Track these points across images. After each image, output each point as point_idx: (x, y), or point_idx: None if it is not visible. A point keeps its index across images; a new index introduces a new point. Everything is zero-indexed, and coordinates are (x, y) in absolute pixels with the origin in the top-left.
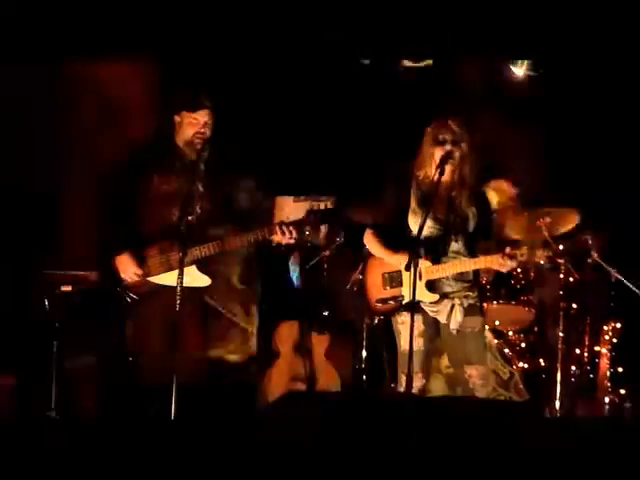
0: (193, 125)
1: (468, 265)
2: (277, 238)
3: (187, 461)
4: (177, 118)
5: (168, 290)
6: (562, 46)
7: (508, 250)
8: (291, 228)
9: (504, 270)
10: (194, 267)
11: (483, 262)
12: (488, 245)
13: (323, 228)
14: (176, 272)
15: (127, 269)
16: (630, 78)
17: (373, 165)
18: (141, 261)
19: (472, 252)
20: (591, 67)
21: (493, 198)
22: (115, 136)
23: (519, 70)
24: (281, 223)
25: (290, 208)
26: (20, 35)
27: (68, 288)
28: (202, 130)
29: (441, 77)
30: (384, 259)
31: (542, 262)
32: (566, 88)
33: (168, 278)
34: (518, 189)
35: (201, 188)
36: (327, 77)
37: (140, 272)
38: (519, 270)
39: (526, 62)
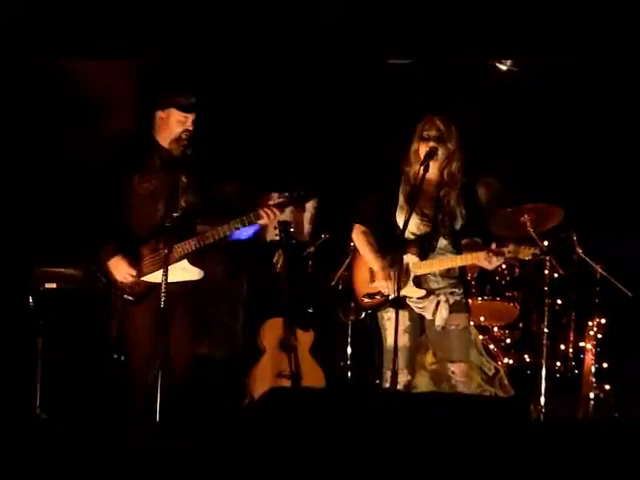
0: (182, 123)
1: (455, 261)
2: (264, 221)
3: (174, 457)
4: (161, 114)
5: (159, 288)
6: (548, 42)
7: (494, 247)
8: (274, 210)
9: (490, 267)
10: (185, 261)
11: (470, 259)
12: (474, 242)
13: (307, 224)
14: (169, 269)
15: (121, 271)
16: (614, 75)
17: (362, 161)
18: (134, 262)
19: (459, 249)
20: (576, 63)
21: (482, 195)
22: (93, 132)
23: (503, 65)
24: (266, 206)
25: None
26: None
27: (52, 285)
28: (190, 128)
29: (426, 73)
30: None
31: (528, 259)
32: (550, 83)
33: (160, 276)
34: (504, 185)
35: (185, 180)
36: (315, 73)
37: (134, 273)
38: (504, 266)
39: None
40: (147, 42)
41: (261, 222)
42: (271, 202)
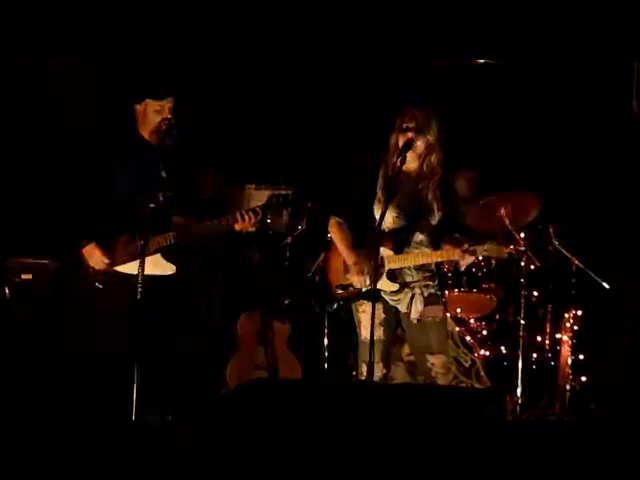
0: (159, 112)
1: (430, 257)
2: (239, 226)
3: (152, 450)
4: (139, 107)
5: (133, 279)
6: (524, 36)
7: (466, 246)
8: (251, 214)
9: (464, 264)
10: (159, 255)
11: (445, 255)
12: (453, 238)
13: (285, 215)
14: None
15: (95, 258)
16: (586, 67)
17: (340, 153)
18: (108, 250)
19: (435, 244)
20: (551, 55)
21: (461, 189)
22: (72, 126)
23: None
24: (241, 210)
25: (252, 196)
26: None
27: (29, 276)
28: (168, 116)
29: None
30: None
31: (505, 257)
32: (526, 75)
33: (134, 267)
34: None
35: (165, 175)
36: (293, 66)
37: (107, 260)
38: (480, 258)
39: None
40: (134, 36)
41: (237, 227)
42: (247, 207)
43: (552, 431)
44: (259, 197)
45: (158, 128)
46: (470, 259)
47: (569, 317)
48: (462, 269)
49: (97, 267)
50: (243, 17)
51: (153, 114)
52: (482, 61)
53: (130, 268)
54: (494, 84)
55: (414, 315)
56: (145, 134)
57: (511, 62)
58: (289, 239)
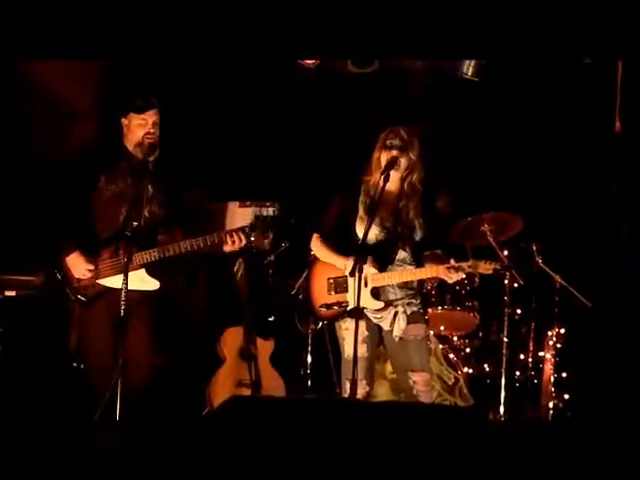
0: (142, 126)
1: (414, 274)
2: (228, 247)
3: (133, 467)
4: (124, 120)
5: (117, 293)
6: (506, 50)
7: (452, 262)
8: (240, 235)
9: (450, 281)
10: (143, 271)
11: (430, 272)
12: (435, 254)
13: (269, 234)
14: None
15: (78, 267)
16: (572, 85)
17: (321, 171)
18: (93, 260)
19: (418, 261)
20: (536, 73)
21: (442, 204)
22: (59, 139)
23: (463, 75)
24: (229, 231)
25: (236, 213)
26: None
27: (12, 293)
28: (151, 130)
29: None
30: (330, 263)
31: (489, 274)
32: (509, 94)
33: (118, 281)
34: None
35: (151, 190)
36: (274, 81)
37: (92, 268)
38: (464, 276)
39: (471, 68)
40: (118, 43)
41: (226, 248)
42: (233, 226)
43: (534, 449)
44: (243, 214)
45: (141, 142)
46: (456, 276)
47: (552, 335)
48: (450, 282)
49: (81, 277)
50: (233, 37)
51: (136, 127)
52: (466, 76)
53: (113, 282)
54: (474, 100)
55: (396, 333)
56: (130, 148)
57: (490, 78)
58: (272, 256)
